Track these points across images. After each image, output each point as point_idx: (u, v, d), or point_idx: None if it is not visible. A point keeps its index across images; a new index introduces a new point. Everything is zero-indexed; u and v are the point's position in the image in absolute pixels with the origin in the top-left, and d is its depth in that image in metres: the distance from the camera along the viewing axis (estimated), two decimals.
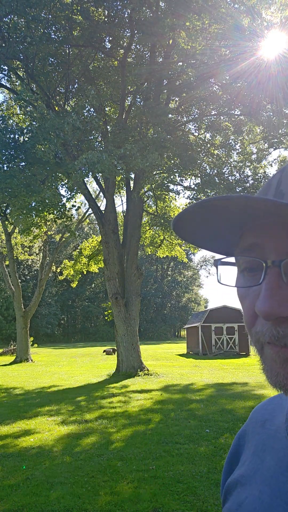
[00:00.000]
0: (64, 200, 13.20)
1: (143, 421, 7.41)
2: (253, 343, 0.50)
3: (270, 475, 0.55)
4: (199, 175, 14.44)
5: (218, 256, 0.56)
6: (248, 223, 0.49)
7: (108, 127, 14.90)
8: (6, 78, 14.96)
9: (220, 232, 0.51)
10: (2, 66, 12.83)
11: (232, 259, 0.53)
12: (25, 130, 11.30)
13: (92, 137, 12.66)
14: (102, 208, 15.13)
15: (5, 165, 11.46)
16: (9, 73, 14.02)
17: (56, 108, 13.48)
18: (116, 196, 17.84)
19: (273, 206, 0.40)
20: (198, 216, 0.46)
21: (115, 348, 15.40)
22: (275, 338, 0.45)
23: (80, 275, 21.52)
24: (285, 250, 0.45)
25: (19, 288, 22.34)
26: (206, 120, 15.41)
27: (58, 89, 14.26)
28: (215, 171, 14.31)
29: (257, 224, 0.47)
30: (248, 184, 13.63)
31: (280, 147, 15.06)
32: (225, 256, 0.53)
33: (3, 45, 11.44)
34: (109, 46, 14.04)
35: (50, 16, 11.46)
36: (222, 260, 0.53)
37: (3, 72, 13.85)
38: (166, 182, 13.87)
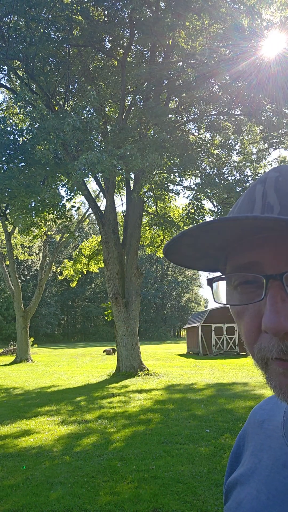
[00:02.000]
0: (64, 200, 13.21)
1: (143, 421, 7.40)
2: (255, 360, 0.49)
3: (267, 474, 0.56)
4: (199, 175, 14.44)
5: (212, 274, 0.55)
6: (239, 241, 0.48)
7: (108, 127, 14.90)
8: (6, 78, 14.96)
9: (209, 251, 0.51)
10: (2, 66, 12.83)
11: (222, 276, 0.52)
12: (25, 131, 11.30)
13: (92, 137, 12.65)
14: (102, 208, 15.13)
15: (4, 166, 11.46)
16: (9, 73, 14.02)
17: (56, 108, 13.47)
18: (116, 196, 17.86)
19: (277, 223, 0.40)
20: (192, 238, 0.46)
21: (115, 348, 15.40)
22: (283, 353, 0.45)
23: (80, 275, 21.52)
24: (285, 263, 0.45)
25: (19, 288, 22.34)
26: (206, 120, 15.40)
27: (58, 89, 14.25)
28: (215, 171, 14.31)
29: (253, 241, 0.47)
30: (248, 184, 13.62)
31: (280, 147, 15.06)
32: (218, 275, 0.52)
33: (3, 45, 11.44)
34: (109, 46, 14.04)
35: (50, 16, 11.46)
36: (216, 277, 0.52)
37: (3, 72, 13.85)
38: (166, 182, 13.87)
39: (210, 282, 0.52)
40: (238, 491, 0.61)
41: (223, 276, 0.52)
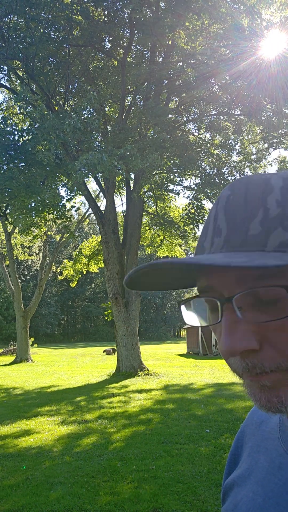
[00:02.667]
0: (64, 200, 13.20)
1: (143, 421, 7.40)
2: (233, 372, 0.52)
3: (263, 476, 0.56)
4: (199, 175, 14.44)
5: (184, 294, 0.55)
6: (196, 269, 0.49)
7: (108, 127, 14.90)
8: (6, 78, 14.96)
9: (176, 277, 0.52)
10: (2, 66, 12.83)
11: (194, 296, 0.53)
12: (25, 131, 11.29)
13: (92, 137, 12.66)
14: (102, 208, 15.12)
15: (4, 166, 11.45)
16: (9, 73, 14.01)
17: (56, 108, 13.47)
18: (116, 196, 17.85)
19: (194, 265, 0.43)
20: (147, 274, 0.47)
21: (115, 348, 15.39)
22: (246, 370, 0.47)
23: (80, 275, 21.51)
24: (234, 287, 0.46)
25: (19, 288, 22.33)
26: (206, 120, 15.40)
27: (58, 89, 14.25)
28: (215, 171, 14.30)
29: (204, 270, 0.48)
30: None
31: (280, 147, 15.05)
32: (186, 298, 0.53)
33: (3, 45, 11.43)
34: (109, 46, 14.04)
35: (50, 16, 11.45)
36: (184, 300, 0.53)
37: (3, 72, 13.85)
38: (166, 182, 13.86)
39: (179, 304, 0.54)
40: (235, 492, 0.61)
41: (189, 298, 0.53)
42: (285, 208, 0.46)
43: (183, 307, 0.53)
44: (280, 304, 0.44)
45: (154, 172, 13.49)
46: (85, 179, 13.87)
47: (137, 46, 14.83)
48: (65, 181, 13.59)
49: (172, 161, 13.20)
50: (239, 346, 0.45)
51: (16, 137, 11.18)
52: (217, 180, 13.56)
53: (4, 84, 14.95)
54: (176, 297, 71.86)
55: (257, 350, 0.45)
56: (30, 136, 10.78)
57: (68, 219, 14.56)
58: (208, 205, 23.28)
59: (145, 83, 13.21)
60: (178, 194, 15.88)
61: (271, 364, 0.45)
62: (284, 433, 0.57)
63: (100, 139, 14.20)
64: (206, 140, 16.00)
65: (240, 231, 0.46)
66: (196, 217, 14.41)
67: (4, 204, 13.84)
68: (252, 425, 0.67)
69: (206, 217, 0.56)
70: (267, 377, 0.46)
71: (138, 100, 14.80)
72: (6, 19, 11.31)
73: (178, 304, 0.54)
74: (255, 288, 0.44)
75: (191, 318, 0.53)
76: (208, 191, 13.38)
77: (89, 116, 11.44)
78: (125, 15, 12.37)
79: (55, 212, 13.45)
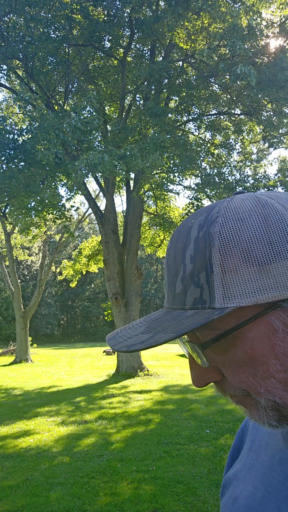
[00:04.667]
0: (64, 200, 13.18)
1: (143, 422, 7.38)
2: None
3: (263, 471, 0.57)
4: (199, 175, 14.41)
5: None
6: None
7: (108, 126, 14.88)
8: (5, 77, 14.93)
9: None
10: (1, 65, 12.81)
11: None
12: (24, 131, 11.27)
13: (92, 137, 12.63)
14: (102, 208, 15.09)
15: (4, 165, 11.43)
16: (9, 72, 13.98)
17: (56, 108, 13.45)
18: (116, 196, 17.83)
19: (113, 348, 0.49)
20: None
21: None
22: (220, 393, 0.54)
23: (80, 275, 21.48)
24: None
25: (19, 288, 22.30)
26: (206, 120, 15.39)
27: (57, 88, 14.23)
28: (215, 171, 14.28)
29: None
30: (248, 184, 13.60)
31: (281, 146, 15.04)
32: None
33: (2, 44, 11.41)
34: (108, 45, 14.01)
35: (49, 15, 11.43)
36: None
37: (3, 71, 13.81)
38: (166, 182, 13.83)
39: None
40: (235, 486, 0.62)
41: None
42: (196, 264, 0.47)
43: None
44: (200, 353, 0.50)
45: (154, 172, 13.47)
46: (85, 179, 13.84)
47: (137, 45, 14.82)
48: (65, 181, 13.58)
49: (172, 161, 13.17)
50: (201, 382, 0.52)
51: (16, 137, 11.16)
52: (217, 180, 13.53)
53: (3, 83, 14.93)
54: None
55: (220, 379, 0.52)
56: (30, 136, 10.76)
57: (68, 219, 14.54)
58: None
59: (145, 83, 13.20)
60: (178, 194, 15.88)
61: (232, 391, 0.52)
62: (285, 428, 0.57)
63: (100, 139, 14.18)
64: (206, 140, 15.98)
65: (172, 289, 0.51)
66: None
67: (4, 204, 13.82)
68: None
69: None
70: (239, 401, 0.53)
71: (138, 99, 14.78)
72: (6, 18, 11.29)
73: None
74: (187, 341, 0.51)
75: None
76: (208, 191, 13.35)
77: (89, 115, 11.40)
78: (125, 14, 12.35)
79: (54, 212, 13.43)
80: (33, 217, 13.94)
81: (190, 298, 0.47)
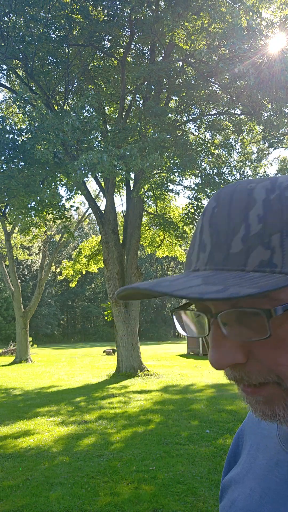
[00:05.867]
0: (64, 200, 13.18)
1: (143, 422, 7.37)
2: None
3: (260, 473, 0.57)
4: (199, 175, 14.41)
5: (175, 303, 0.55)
6: None
7: (108, 126, 14.87)
8: (5, 77, 14.93)
9: None
10: (1, 65, 12.80)
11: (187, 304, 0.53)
12: (24, 131, 11.27)
13: (91, 137, 12.63)
14: (102, 208, 15.09)
15: (3, 165, 11.43)
16: (8, 72, 13.99)
17: (56, 108, 13.45)
18: (116, 196, 17.81)
19: (169, 296, 0.42)
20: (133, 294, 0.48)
21: (115, 348, 15.36)
22: (236, 380, 0.48)
23: (80, 275, 21.48)
24: (220, 304, 0.46)
25: (19, 288, 22.30)
26: (206, 120, 15.39)
27: (57, 88, 14.23)
28: (215, 171, 14.28)
29: None
30: None
31: (281, 146, 15.04)
32: (177, 308, 0.53)
33: (2, 44, 11.40)
34: (108, 45, 14.02)
35: (49, 15, 11.43)
36: (176, 309, 0.53)
37: (2, 71, 13.81)
38: (166, 182, 13.84)
39: (171, 313, 0.53)
40: (233, 489, 0.61)
41: (182, 305, 0.53)
42: (266, 224, 0.44)
43: (174, 317, 0.53)
44: (262, 322, 0.43)
45: (154, 172, 13.46)
46: (85, 179, 13.85)
47: (137, 45, 14.81)
48: (65, 181, 13.57)
49: (172, 161, 13.17)
50: (225, 361, 0.46)
51: (15, 137, 11.16)
52: (217, 180, 13.52)
53: (3, 83, 14.93)
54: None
55: (244, 363, 0.46)
56: (29, 135, 10.76)
57: (68, 219, 14.53)
58: None
59: (145, 83, 13.20)
60: (178, 194, 15.88)
61: (258, 377, 0.46)
62: (281, 429, 0.58)
63: (100, 139, 14.17)
64: (206, 140, 15.98)
65: (222, 248, 0.46)
66: (196, 217, 14.38)
67: (4, 204, 13.82)
68: (253, 424, 0.67)
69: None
70: (259, 391, 0.47)
71: (138, 99, 14.78)
72: (6, 18, 11.29)
73: (171, 312, 0.53)
74: (237, 309, 0.44)
75: (182, 327, 0.53)
76: (208, 191, 13.35)
77: (88, 115, 11.41)
78: (125, 14, 12.35)
79: (54, 212, 13.43)
80: (33, 217, 13.94)
81: (254, 260, 0.43)
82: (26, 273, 53.48)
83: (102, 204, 22.13)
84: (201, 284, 0.42)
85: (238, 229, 0.45)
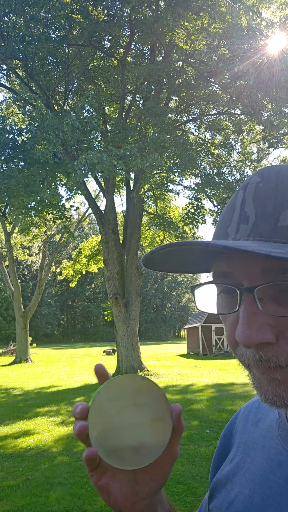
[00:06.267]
0: (64, 200, 13.18)
1: None
2: (239, 362, 0.51)
3: (260, 474, 0.55)
4: (199, 175, 14.42)
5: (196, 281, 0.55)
6: (217, 253, 0.49)
7: (108, 126, 14.88)
8: (5, 77, 14.94)
9: (192, 260, 0.52)
10: (1, 65, 12.81)
11: (209, 281, 0.52)
12: (24, 131, 11.27)
13: (91, 137, 12.64)
14: (102, 208, 15.10)
15: (3, 165, 11.43)
16: (9, 72, 13.99)
17: (56, 108, 13.45)
18: (116, 196, 17.83)
19: (233, 250, 0.40)
20: (167, 253, 0.48)
21: (115, 348, 15.37)
22: (259, 362, 0.46)
23: (80, 275, 21.49)
24: (257, 277, 0.45)
25: (19, 288, 22.31)
26: (206, 120, 15.39)
27: (57, 88, 14.23)
28: (215, 171, 14.29)
29: (227, 255, 0.48)
30: None
31: (281, 146, 15.04)
32: (201, 283, 0.53)
33: (2, 44, 11.41)
34: (108, 45, 14.02)
35: (49, 15, 11.44)
36: (198, 285, 0.52)
37: (2, 71, 13.82)
38: (166, 182, 13.84)
39: (193, 289, 0.53)
40: (228, 490, 0.60)
41: (205, 282, 0.52)
42: None
43: (196, 292, 0.52)
44: None
45: (154, 172, 13.47)
46: (85, 179, 13.85)
47: (137, 45, 14.82)
48: (65, 181, 13.58)
49: (172, 161, 13.18)
50: (256, 338, 0.44)
51: (15, 137, 11.16)
52: (217, 180, 13.53)
53: (3, 83, 14.94)
54: (176, 297, 71.91)
55: (273, 343, 0.45)
56: (29, 135, 10.76)
57: (68, 219, 14.53)
58: (208, 204, 23.18)
59: (145, 83, 13.20)
60: (178, 194, 15.87)
61: (287, 358, 0.45)
62: (283, 430, 0.56)
63: (99, 139, 14.18)
64: (206, 140, 15.98)
65: (269, 221, 0.45)
66: (196, 217, 14.38)
67: (4, 204, 13.83)
68: (247, 422, 0.66)
69: (229, 202, 0.54)
70: (280, 371, 0.45)
71: (138, 99, 14.78)
72: (6, 18, 11.30)
73: (192, 288, 0.53)
74: (279, 282, 0.44)
75: (204, 304, 0.52)
76: (208, 191, 13.37)
77: (88, 115, 11.41)
78: (125, 14, 12.35)
79: (54, 212, 13.43)
80: (33, 217, 13.94)
81: None
82: (26, 273, 53.51)
83: (102, 204, 22.12)
84: (260, 246, 0.41)
85: (286, 204, 0.45)
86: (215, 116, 15.29)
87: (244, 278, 0.46)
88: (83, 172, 10.54)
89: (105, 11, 12.80)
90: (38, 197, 12.13)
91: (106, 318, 19.72)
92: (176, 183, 14.28)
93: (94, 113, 12.36)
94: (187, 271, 0.56)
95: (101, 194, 21.55)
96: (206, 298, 0.52)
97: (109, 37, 13.47)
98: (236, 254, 0.46)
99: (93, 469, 0.60)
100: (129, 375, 0.55)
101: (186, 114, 15.28)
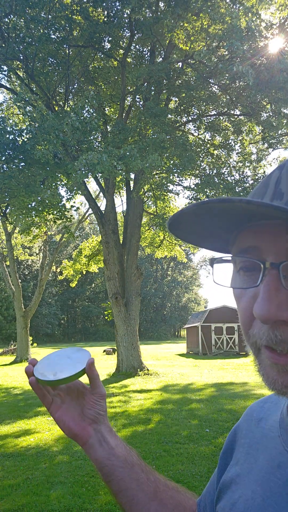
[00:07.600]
0: (64, 200, 13.21)
1: (143, 421, 7.42)
2: (249, 345, 0.50)
3: (262, 475, 0.55)
4: (198, 175, 14.45)
5: (216, 254, 0.55)
6: (245, 225, 0.48)
7: (108, 127, 14.91)
8: (6, 78, 14.97)
9: (216, 231, 0.51)
10: (1, 66, 12.83)
11: (228, 257, 0.52)
12: (24, 131, 11.30)
13: (92, 137, 12.67)
14: (102, 208, 15.14)
15: (4, 165, 11.46)
16: (9, 73, 14.02)
17: (56, 108, 13.49)
18: (116, 196, 17.86)
19: (275, 211, 0.39)
20: (194, 216, 0.46)
21: (115, 348, 15.40)
22: (273, 342, 0.45)
23: (80, 275, 21.52)
24: (284, 253, 0.44)
25: (19, 288, 22.35)
26: (206, 120, 15.42)
27: (57, 89, 14.26)
28: (215, 171, 14.32)
29: (256, 226, 0.47)
30: (247, 184, 13.64)
31: (280, 147, 15.06)
32: (221, 256, 0.52)
33: (3, 45, 11.44)
34: (108, 46, 14.05)
35: (49, 16, 11.47)
36: (218, 259, 0.52)
37: (3, 72, 13.85)
38: (165, 182, 13.88)
39: (212, 262, 0.52)
40: (233, 491, 0.60)
41: (225, 258, 0.52)
42: None
43: (216, 266, 0.52)
44: None
45: (154, 173, 13.50)
46: (85, 179, 13.89)
47: (137, 46, 14.85)
48: (65, 181, 13.61)
49: (171, 161, 13.21)
50: (275, 313, 0.43)
51: (16, 137, 11.19)
52: (216, 180, 13.57)
53: (4, 84, 14.97)
54: (176, 297, 71.89)
55: None
56: (30, 136, 10.79)
57: (68, 219, 14.58)
58: None
59: (145, 83, 13.24)
60: (177, 194, 15.90)
61: None
62: (284, 430, 0.57)
63: (100, 139, 14.21)
64: (206, 140, 16.01)
65: None
66: None
67: (4, 204, 13.86)
68: (251, 422, 0.66)
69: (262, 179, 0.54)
70: None
71: (138, 100, 14.81)
72: (6, 19, 11.33)
73: (211, 261, 0.52)
74: None
75: (222, 278, 0.52)
76: (208, 191, 13.39)
77: (89, 116, 11.44)
78: (125, 15, 12.38)
79: (55, 212, 13.46)
80: (34, 217, 13.98)
81: None
82: (26, 273, 53.53)
83: (102, 204, 22.16)
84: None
85: None
86: (214, 116, 15.32)
87: (270, 253, 0.45)
88: (83, 172, 10.57)
89: (105, 12, 12.83)
90: (39, 198, 12.16)
91: (106, 317, 19.76)
92: (176, 183, 14.32)
93: (94, 114, 12.39)
94: (206, 246, 0.55)
95: (101, 194, 21.61)
96: (224, 273, 0.52)
97: (109, 38, 13.50)
98: (266, 227, 0.46)
99: (50, 405, 0.82)
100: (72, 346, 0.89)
101: (185, 115, 15.30)
